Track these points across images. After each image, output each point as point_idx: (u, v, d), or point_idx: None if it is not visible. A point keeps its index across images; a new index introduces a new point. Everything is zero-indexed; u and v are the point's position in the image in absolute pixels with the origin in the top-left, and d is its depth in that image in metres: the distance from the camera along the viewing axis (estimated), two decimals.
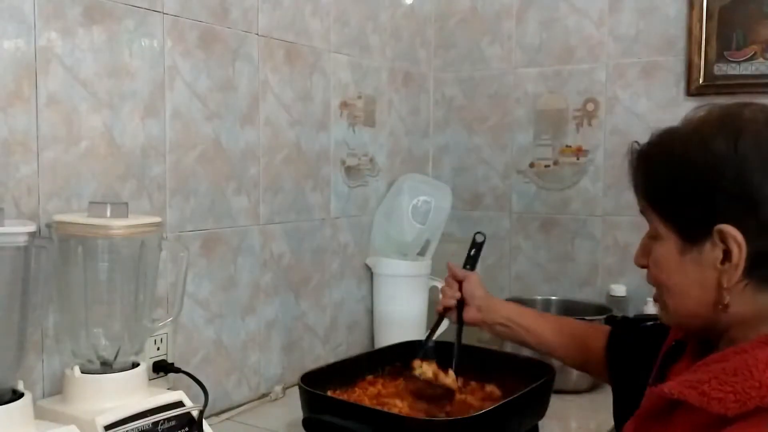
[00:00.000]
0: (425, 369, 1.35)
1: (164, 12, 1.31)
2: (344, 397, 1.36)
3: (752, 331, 0.75)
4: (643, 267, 0.86)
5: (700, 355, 0.80)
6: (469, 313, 1.33)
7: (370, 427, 1.14)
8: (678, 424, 0.73)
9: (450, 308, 1.36)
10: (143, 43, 1.28)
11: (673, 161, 0.77)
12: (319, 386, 1.30)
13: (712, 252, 0.74)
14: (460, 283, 1.35)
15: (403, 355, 1.51)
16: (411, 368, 1.36)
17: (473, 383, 1.43)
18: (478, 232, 1.42)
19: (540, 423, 1.33)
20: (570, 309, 1.80)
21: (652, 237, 0.82)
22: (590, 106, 1.93)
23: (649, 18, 1.84)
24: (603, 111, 1.91)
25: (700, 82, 1.77)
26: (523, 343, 1.30)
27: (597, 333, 1.20)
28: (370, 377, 1.46)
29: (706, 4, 1.75)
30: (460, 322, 1.36)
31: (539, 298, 1.89)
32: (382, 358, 1.52)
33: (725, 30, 1.74)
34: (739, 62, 1.73)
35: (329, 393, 1.34)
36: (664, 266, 0.81)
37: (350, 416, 1.17)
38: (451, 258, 2.01)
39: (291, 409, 1.40)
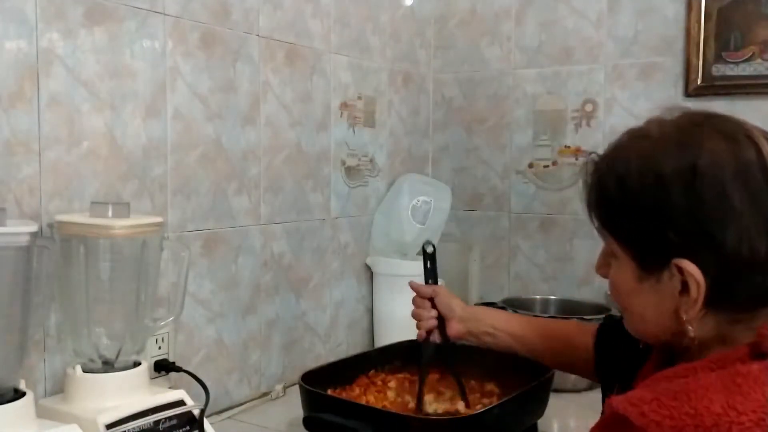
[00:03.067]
0: (436, 406, 1.33)
1: (165, 13, 1.32)
2: (344, 396, 1.36)
3: (709, 351, 0.73)
4: (604, 277, 0.82)
5: (662, 363, 0.78)
6: (453, 328, 1.26)
7: (371, 425, 1.15)
8: None
9: (431, 330, 1.27)
10: (144, 44, 1.29)
11: (625, 191, 0.73)
12: (319, 385, 1.30)
13: (670, 281, 0.71)
14: (431, 300, 1.28)
15: (402, 354, 1.52)
16: (420, 402, 1.31)
17: (473, 382, 1.43)
18: (427, 242, 1.34)
19: (539, 422, 1.33)
20: (569, 308, 1.81)
21: (610, 255, 0.79)
22: (589, 107, 1.93)
23: (648, 19, 1.84)
24: (601, 112, 1.91)
25: (699, 82, 1.77)
26: (510, 350, 1.25)
27: (584, 333, 1.16)
28: (370, 373, 1.47)
29: (705, 5, 1.75)
30: (447, 341, 1.28)
31: (538, 297, 1.89)
32: (382, 357, 1.53)
33: (723, 31, 1.74)
34: (737, 63, 1.74)
35: (329, 392, 1.35)
36: (622, 289, 0.78)
37: (350, 415, 1.17)
38: (451, 258, 2.03)
39: (291, 407, 1.40)
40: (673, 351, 0.78)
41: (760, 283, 0.70)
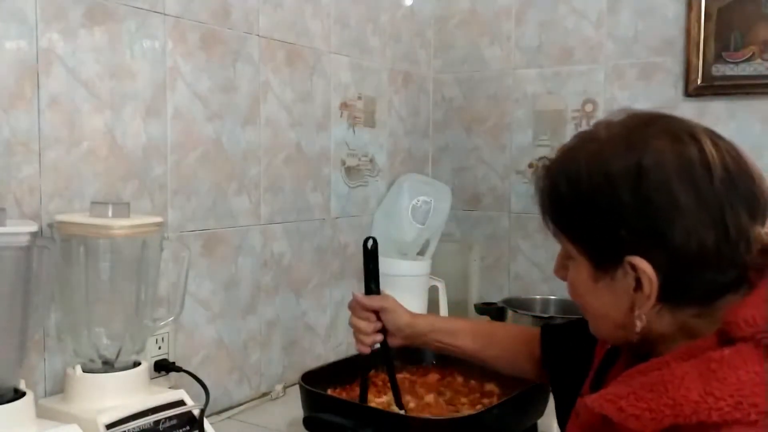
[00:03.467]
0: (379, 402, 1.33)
1: (165, 13, 1.32)
2: (344, 396, 1.36)
3: (675, 344, 0.74)
4: (563, 279, 0.83)
5: (633, 360, 0.78)
6: (396, 342, 1.20)
7: (371, 425, 1.15)
8: None
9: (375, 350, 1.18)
10: (145, 44, 1.29)
11: (577, 192, 0.74)
12: (319, 385, 1.31)
13: (624, 279, 0.72)
14: (375, 313, 1.18)
15: (403, 354, 1.52)
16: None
17: (473, 382, 1.44)
18: (369, 237, 1.20)
19: (539, 422, 1.34)
20: (568, 308, 1.80)
21: (566, 257, 0.80)
22: (589, 107, 1.93)
23: (648, 19, 1.84)
24: (601, 112, 1.91)
25: (699, 82, 1.77)
26: (458, 356, 1.20)
27: (528, 334, 1.13)
28: (370, 373, 1.47)
29: (705, 5, 1.75)
30: (389, 357, 1.21)
31: (538, 297, 1.89)
32: (382, 357, 1.53)
33: (723, 31, 1.74)
34: (737, 63, 1.74)
35: (329, 392, 1.35)
36: (579, 289, 0.79)
37: (351, 415, 1.17)
38: (451, 258, 2.03)
39: (291, 407, 1.40)
40: (639, 351, 0.78)
41: (711, 277, 0.71)
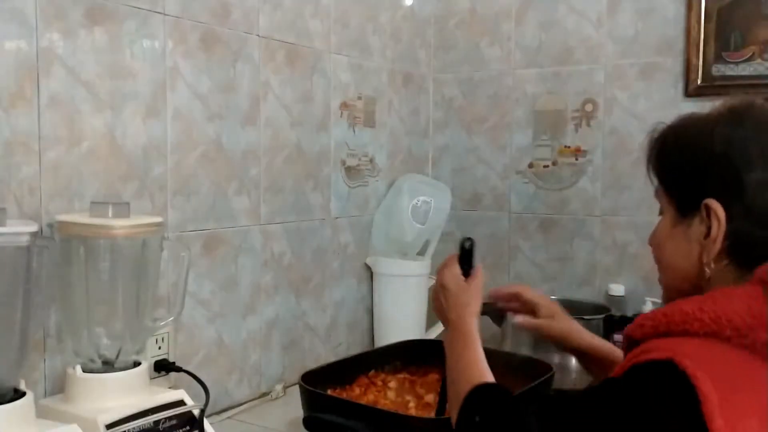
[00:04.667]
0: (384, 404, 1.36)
1: (165, 13, 1.32)
2: (344, 396, 1.36)
3: None
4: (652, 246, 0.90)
5: None
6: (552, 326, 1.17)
7: (371, 425, 1.15)
8: None
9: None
10: (145, 44, 1.29)
11: (681, 141, 0.85)
12: (319, 385, 1.31)
13: (699, 227, 0.80)
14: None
15: (403, 354, 1.52)
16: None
17: None
18: (468, 238, 1.12)
19: None
20: (568, 308, 1.77)
21: (661, 215, 0.88)
22: (589, 107, 1.93)
23: (648, 19, 1.84)
24: (601, 112, 1.91)
25: (699, 82, 1.77)
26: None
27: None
28: (370, 373, 1.47)
29: (705, 5, 1.75)
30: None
31: None
32: (382, 357, 1.53)
33: (723, 31, 1.74)
34: (737, 63, 1.74)
35: (329, 392, 1.35)
36: (659, 237, 0.87)
37: (350, 415, 1.17)
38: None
39: (291, 408, 1.40)
40: None
41: None
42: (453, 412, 0.87)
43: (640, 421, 0.68)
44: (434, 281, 1.09)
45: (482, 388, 0.84)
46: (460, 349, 0.96)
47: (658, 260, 0.89)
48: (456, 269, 1.06)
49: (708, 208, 0.79)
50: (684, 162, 0.84)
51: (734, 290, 0.76)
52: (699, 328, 0.72)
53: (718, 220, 0.78)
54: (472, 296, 1.03)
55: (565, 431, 0.71)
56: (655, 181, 0.88)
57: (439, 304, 1.06)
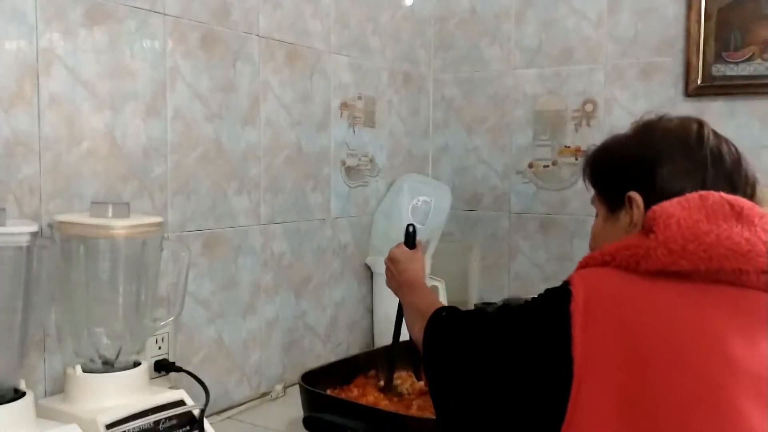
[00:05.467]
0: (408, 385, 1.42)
1: (165, 13, 1.32)
2: (344, 396, 1.36)
3: None
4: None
5: None
6: None
7: (371, 425, 1.15)
8: None
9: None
10: (144, 44, 1.29)
11: (606, 152, 1.02)
12: (319, 385, 1.31)
13: (624, 218, 0.94)
14: None
15: (403, 354, 1.52)
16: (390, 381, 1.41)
17: None
18: (410, 224, 1.38)
19: None
20: None
21: (596, 218, 1.03)
22: (589, 107, 1.93)
23: (648, 19, 1.84)
24: (601, 112, 1.91)
25: (699, 83, 1.77)
26: None
27: None
28: (370, 373, 1.48)
29: (705, 5, 1.75)
30: None
31: None
32: (382, 357, 1.53)
33: (723, 31, 1.74)
34: (737, 63, 1.74)
35: (329, 392, 1.35)
36: (594, 233, 1.03)
37: (350, 415, 1.17)
38: (451, 258, 2.03)
39: (291, 407, 1.41)
40: None
41: None
42: (417, 336, 1.05)
43: (524, 310, 0.90)
44: (385, 259, 1.32)
45: (441, 308, 1.05)
46: (413, 296, 1.19)
47: (592, 249, 1.01)
48: (402, 246, 1.33)
49: (630, 199, 0.93)
50: (610, 167, 1.00)
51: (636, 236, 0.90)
52: (593, 263, 0.89)
53: (638, 206, 0.92)
54: (416, 259, 1.30)
55: (464, 321, 0.98)
56: (590, 188, 1.03)
57: (390, 275, 1.30)
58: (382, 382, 1.45)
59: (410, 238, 1.34)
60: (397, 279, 1.27)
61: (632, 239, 0.86)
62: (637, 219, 0.92)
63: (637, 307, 0.81)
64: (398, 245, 1.33)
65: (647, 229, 0.85)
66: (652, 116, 0.99)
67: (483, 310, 1.00)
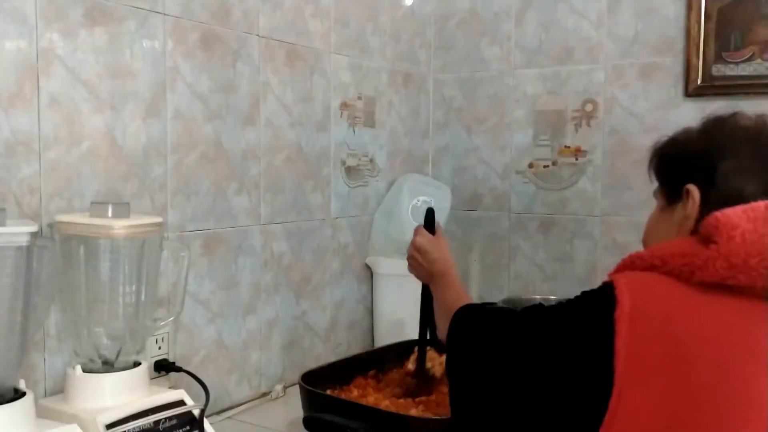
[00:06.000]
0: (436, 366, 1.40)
1: (165, 13, 1.32)
2: (344, 396, 1.36)
3: None
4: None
5: None
6: None
7: (370, 425, 1.15)
8: None
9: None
10: (144, 44, 1.29)
11: (673, 143, 0.98)
12: (319, 385, 1.31)
13: (680, 211, 0.92)
14: None
15: (403, 354, 1.52)
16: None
17: None
18: (429, 208, 1.35)
19: None
20: None
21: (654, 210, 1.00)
22: (589, 107, 1.93)
23: (648, 19, 1.84)
24: (601, 112, 1.91)
25: (699, 82, 1.77)
26: None
27: None
28: (370, 373, 1.48)
29: (705, 5, 1.75)
30: None
31: (538, 297, 1.88)
32: (382, 357, 1.53)
33: (723, 31, 1.74)
34: (737, 63, 1.74)
35: (329, 392, 1.35)
36: (649, 223, 1.01)
37: (350, 415, 1.18)
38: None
39: (291, 407, 1.41)
40: None
41: None
42: (442, 335, 1.05)
43: (562, 312, 0.86)
44: (409, 247, 1.29)
45: (465, 306, 1.02)
46: (443, 289, 1.18)
47: (644, 241, 1.00)
48: (426, 233, 1.28)
49: (687, 192, 0.90)
50: (673, 158, 0.97)
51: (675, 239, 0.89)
52: (640, 264, 0.85)
53: (693, 200, 0.89)
54: (442, 247, 1.26)
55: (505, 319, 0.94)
56: (653, 179, 1.00)
57: (417, 263, 1.26)
58: (411, 366, 1.44)
59: (430, 223, 1.31)
60: (426, 269, 1.23)
61: (688, 245, 0.82)
62: (690, 212, 0.89)
63: (688, 321, 0.78)
64: (419, 232, 1.28)
65: (706, 237, 0.81)
66: (726, 112, 0.95)
67: (511, 310, 0.97)
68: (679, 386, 0.74)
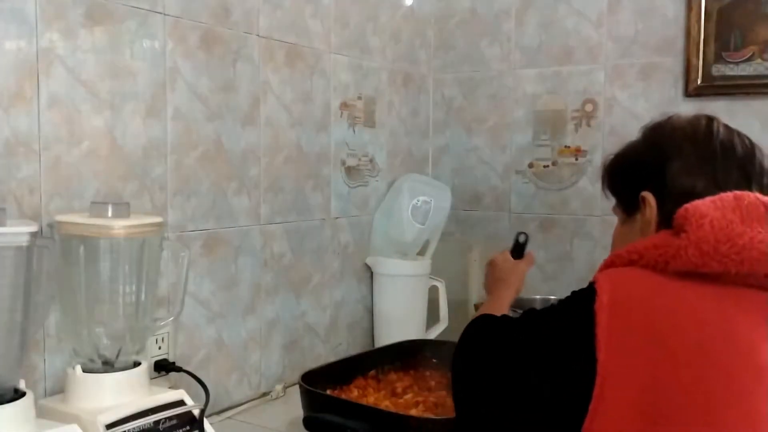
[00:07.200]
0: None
1: (165, 13, 1.32)
2: (344, 396, 1.36)
3: None
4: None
5: None
6: None
7: (370, 425, 1.15)
8: None
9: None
10: (145, 44, 1.29)
11: (620, 156, 1.03)
12: (319, 385, 1.31)
13: (640, 220, 0.95)
14: None
15: (402, 354, 1.52)
16: None
17: None
18: (522, 232, 1.37)
19: None
20: None
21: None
22: (589, 107, 1.93)
23: (648, 19, 1.84)
24: (601, 112, 1.91)
25: (699, 82, 1.77)
26: None
27: None
28: (370, 373, 1.48)
29: (705, 5, 1.75)
30: None
31: (538, 297, 1.88)
32: (383, 357, 1.53)
33: (723, 31, 1.74)
34: (737, 63, 1.74)
35: (329, 392, 1.35)
36: (613, 237, 1.04)
37: (350, 415, 1.17)
38: (451, 258, 2.03)
39: (291, 407, 1.41)
40: None
41: None
42: None
43: (551, 312, 0.89)
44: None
45: (481, 315, 1.03)
46: (487, 304, 1.21)
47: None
48: (506, 254, 1.32)
49: (643, 199, 0.93)
50: (622, 171, 1.02)
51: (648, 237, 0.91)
52: (619, 262, 0.88)
53: (650, 206, 0.92)
54: (513, 272, 1.29)
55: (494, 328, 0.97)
56: (610, 196, 1.05)
57: (485, 275, 1.31)
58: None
59: (518, 248, 1.33)
60: (488, 284, 1.30)
61: (662, 238, 0.85)
62: (650, 218, 0.92)
63: (665, 308, 0.80)
64: (503, 252, 1.33)
65: (678, 229, 0.84)
66: (662, 117, 0.99)
67: (510, 317, 1.01)
68: (663, 374, 0.76)
